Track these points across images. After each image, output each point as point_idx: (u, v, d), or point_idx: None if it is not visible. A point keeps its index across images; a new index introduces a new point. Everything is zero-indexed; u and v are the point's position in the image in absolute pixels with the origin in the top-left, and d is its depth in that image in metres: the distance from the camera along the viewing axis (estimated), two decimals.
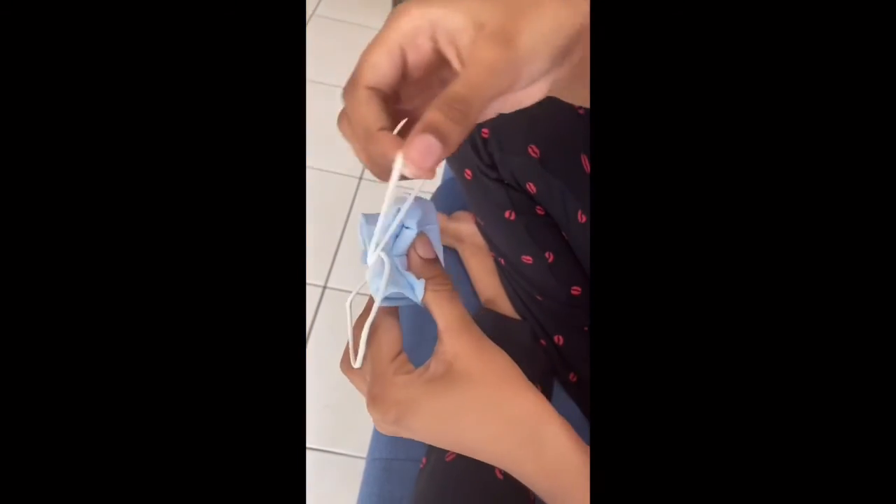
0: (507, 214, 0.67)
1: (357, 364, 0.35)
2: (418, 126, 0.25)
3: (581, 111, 0.60)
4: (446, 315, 0.33)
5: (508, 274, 0.73)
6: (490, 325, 0.74)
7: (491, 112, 0.29)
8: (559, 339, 0.71)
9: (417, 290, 0.33)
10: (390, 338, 0.34)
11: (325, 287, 1.35)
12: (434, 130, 0.25)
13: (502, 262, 0.73)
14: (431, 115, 0.25)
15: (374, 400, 0.32)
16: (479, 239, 0.79)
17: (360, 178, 1.55)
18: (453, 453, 0.60)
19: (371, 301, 0.34)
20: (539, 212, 0.67)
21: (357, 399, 0.34)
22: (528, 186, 0.65)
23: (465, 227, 0.82)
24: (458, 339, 0.33)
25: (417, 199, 0.33)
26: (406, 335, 0.36)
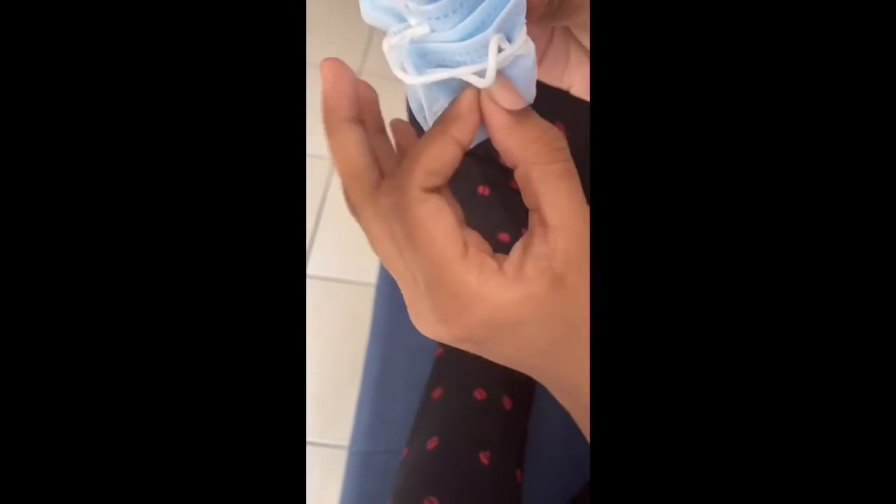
0: (480, 189, 0.64)
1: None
2: None
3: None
4: (564, 204, 0.24)
5: None
6: None
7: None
8: None
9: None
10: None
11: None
12: None
13: None
14: None
15: (437, 288, 0.23)
16: None
17: None
18: (434, 441, 0.57)
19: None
20: (513, 185, 0.64)
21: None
22: (501, 159, 0.62)
23: None
24: (574, 241, 0.23)
25: None
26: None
